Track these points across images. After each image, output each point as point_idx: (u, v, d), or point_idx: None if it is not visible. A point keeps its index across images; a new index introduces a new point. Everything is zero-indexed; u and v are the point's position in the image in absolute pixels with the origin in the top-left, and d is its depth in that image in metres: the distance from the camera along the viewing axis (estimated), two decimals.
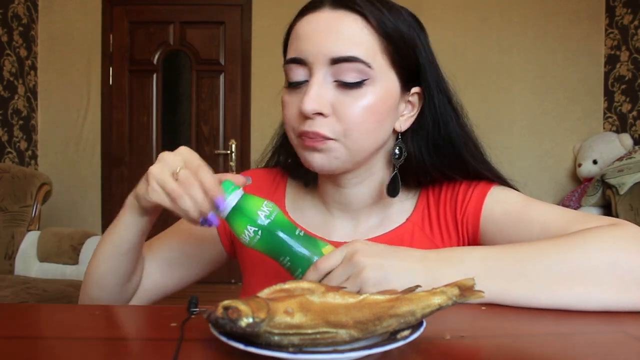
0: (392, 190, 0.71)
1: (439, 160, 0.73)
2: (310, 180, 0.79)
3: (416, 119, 0.73)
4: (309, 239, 0.60)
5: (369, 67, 0.65)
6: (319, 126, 0.64)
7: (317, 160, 0.67)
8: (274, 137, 0.82)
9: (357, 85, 0.65)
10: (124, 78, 3.65)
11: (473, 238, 0.72)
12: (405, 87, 0.70)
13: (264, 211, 0.58)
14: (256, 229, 0.58)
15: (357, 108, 0.65)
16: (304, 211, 0.79)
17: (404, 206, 0.76)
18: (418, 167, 0.73)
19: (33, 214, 2.46)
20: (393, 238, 0.73)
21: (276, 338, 0.40)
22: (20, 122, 3.43)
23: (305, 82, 0.66)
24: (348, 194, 0.74)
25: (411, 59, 0.69)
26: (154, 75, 3.65)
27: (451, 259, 0.58)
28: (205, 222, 0.59)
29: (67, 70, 3.61)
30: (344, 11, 0.65)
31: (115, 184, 3.64)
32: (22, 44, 3.43)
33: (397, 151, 0.72)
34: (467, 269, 0.56)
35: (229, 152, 3.60)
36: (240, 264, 0.81)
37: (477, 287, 0.46)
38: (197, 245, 0.80)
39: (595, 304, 0.55)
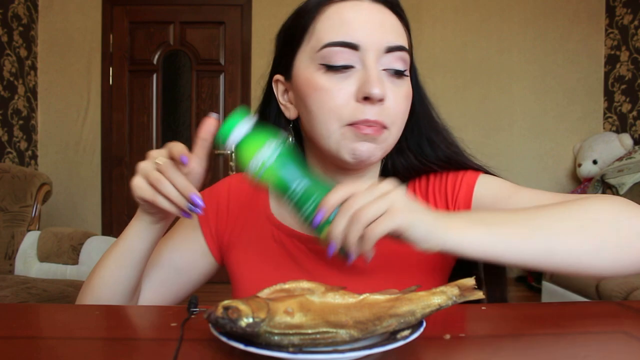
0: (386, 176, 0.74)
1: (423, 152, 0.74)
2: None
3: None
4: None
5: (411, 57, 0.69)
6: (380, 114, 0.64)
7: (367, 149, 0.65)
8: None
9: (403, 74, 0.67)
10: (124, 78, 3.65)
11: None
12: None
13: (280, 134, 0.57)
14: (279, 141, 0.55)
15: (401, 97, 0.66)
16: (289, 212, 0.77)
17: None
18: (404, 161, 0.74)
19: (33, 214, 2.46)
20: None
21: (276, 338, 0.40)
22: (20, 122, 3.43)
23: (351, 68, 0.64)
24: None
25: (411, 57, 0.72)
26: (154, 75, 3.65)
27: (452, 213, 0.59)
28: (191, 207, 0.58)
29: (67, 70, 3.61)
30: (381, 5, 0.67)
31: (115, 184, 3.64)
32: (22, 44, 3.44)
33: None
34: (464, 215, 0.57)
35: (229, 152, 3.60)
36: (228, 271, 0.78)
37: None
38: (187, 260, 0.77)
39: (592, 257, 0.56)
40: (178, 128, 3.68)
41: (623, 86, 3.43)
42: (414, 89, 0.73)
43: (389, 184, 0.54)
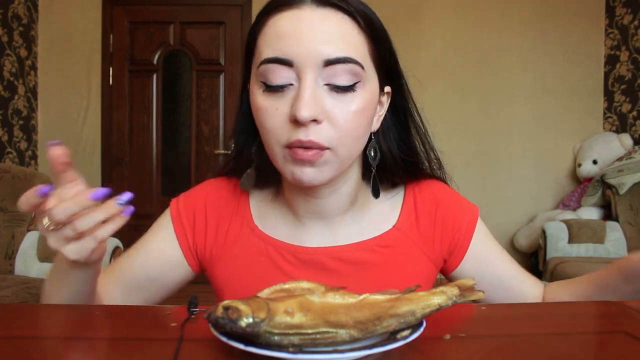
0: (376, 191, 0.70)
1: (412, 156, 0.73)
2: (271, 189, 0.75)
3: (384, 118, 0.71)
4: None
5: (362, 68, 0.61)
6: (314, 134, 0.59)
7: (308, 174, 0.61)
8: (234, 145, 0.76)
9: (350, 88, 0.60)
10: (124, 78, 3.64)
11: (449, 258, 0.75)
12: (380, 86, 0.68)
13: None
14: None
15: (349, 113, 0.60)
16: (273, 222, 0.74)
17: (384, 209, 0.75)
18: (394, 166, 0.72)
19: (33, 214, 2.46)
20: (379, 244, 0.72)
21: (276, 338, 0.40)
22: (20, 122, 3.43)
23: (289, 86, 0.60)
24: (321, 204, 0.70)
25: (387, 59, 0.67)
26: (154, 75, 3.65)
27: None
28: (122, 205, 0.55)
29: (67, 70, 3.61)
30: (329, 9, 0.60)
31: (115, 184, 3.64)
32: (22, 44, 3.43)
33: (372, 153, 0.69)
34: None
35: (229, 152, 3.59)
36: (212, 284, 0.76)
37: None
38: (161, 268, 0.75)
39: None
40: (178, 128, 3.67)
41: (623, 86, 3.43)
42: (398, 90, 0.70)
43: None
